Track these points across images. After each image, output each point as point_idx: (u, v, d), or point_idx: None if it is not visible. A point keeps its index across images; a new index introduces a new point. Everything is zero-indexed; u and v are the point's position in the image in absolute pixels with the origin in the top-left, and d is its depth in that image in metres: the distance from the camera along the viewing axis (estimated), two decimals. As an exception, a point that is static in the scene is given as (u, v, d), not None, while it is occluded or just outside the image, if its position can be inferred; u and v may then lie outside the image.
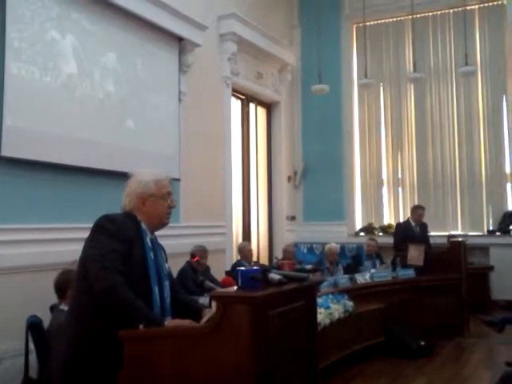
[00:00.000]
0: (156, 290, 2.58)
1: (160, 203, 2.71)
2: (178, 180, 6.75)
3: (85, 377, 2.47)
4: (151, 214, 2.69)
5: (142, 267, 2.56)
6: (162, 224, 2.76)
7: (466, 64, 8.31)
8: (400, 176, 9.92)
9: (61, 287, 3.84)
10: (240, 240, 8.47)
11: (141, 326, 2.42)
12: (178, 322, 2.55)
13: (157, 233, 2.80)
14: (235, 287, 2.48)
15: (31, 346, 3.72)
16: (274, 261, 8.35)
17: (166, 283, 2.69)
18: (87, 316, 2.49)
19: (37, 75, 5.02)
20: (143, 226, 2.66)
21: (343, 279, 6.18)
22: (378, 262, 7.58)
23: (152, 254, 2.63)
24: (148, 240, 2.65)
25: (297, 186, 10.24)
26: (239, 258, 7.23)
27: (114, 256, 2.46)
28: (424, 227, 7.83)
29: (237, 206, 8.73)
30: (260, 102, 9.59)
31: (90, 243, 2.56)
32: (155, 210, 2.70)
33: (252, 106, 9.41)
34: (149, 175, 2.73)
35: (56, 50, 5.22)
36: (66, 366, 2.52)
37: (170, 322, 2.50)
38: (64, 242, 4.91)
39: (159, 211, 2.71)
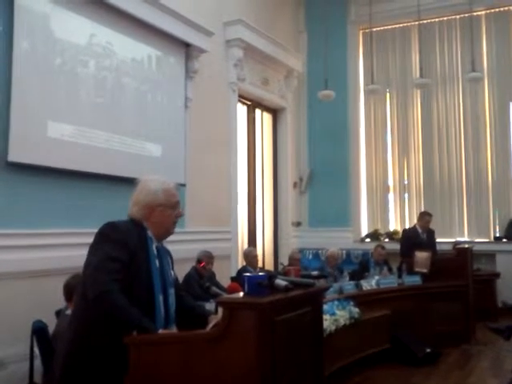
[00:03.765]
0: (160, 298, 2.56)
1: (168, 213, 2.68)
2: (184, 185, 6.75)
3: (82, 378, 2.46)
4: (159, 223, 2.66)
5: (147, 275, 2.53)
6: (169, 233, 2.74)
7: (473, 70, 8.30)
8: (406, 182, 9.89)
9: (69, 290, 3.85)
10: (245, 246, 8.45)
11: (134, 333, 2.39)
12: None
13: (162, 237, 2.78)
14: (241, 293, 2.47)
15: (36, 351, 3.73)
16: (280, 267, 8.33)
17: (171, 291, 2.66)
18: (87, 320, 2.48)
19: (44, 80, 5.05)
20: (149, 233, 2.64)
21: (349, 285, 6.16)
22: (385, 269, 7.54)
23: (157, 262, 2.60)
24: (154, 247, 2.62)
25: (302, 191, 10.22)
26: (244, 263, 7.22)
27: (113, 264, 2.43)
28: (431, 234, 7.81)
29: (242, 212, 8.73)
30: (266, 108, 9.60)
31: (91, 250, 2.55)
32: (163, 219, 2.67)
33: (258, 111, 9.42)
34: (157, 183, 2.69)
35: (63, 55, 5.25)
36: (65, 369, 2.52)
37: (163, 332, 2.47)
38: (70, 248, 4.91)
39: (166, 221, 2.68)
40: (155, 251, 2.62)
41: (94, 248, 2.54)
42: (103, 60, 5.74)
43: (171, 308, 2.64)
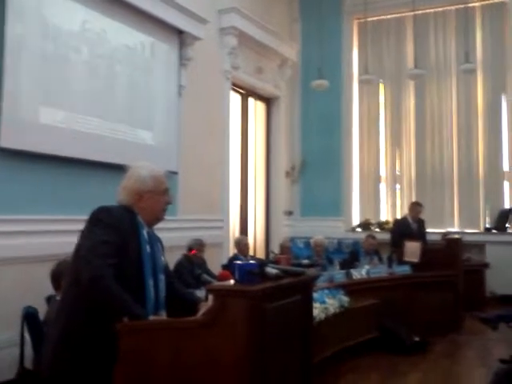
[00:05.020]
0: (150, 283, 2.56)
1: (157, 199, 2.69)
2: (176, 173, 6.75)
3: (72, 366, 2.46)
4: (148, 209, 2.67)
5: (137, 260, 2.54)
6: (158, 220, 2.75)
7: (467, 61, 8.31)
8: (398, 172, 9.94)
9: (57, 278, 3.85)
10: (237, 234, 8.48)
11: (125, 320, 2.39)
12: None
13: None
14: (232, 281, 2.49)
15: (27, 336, 3.73)
16: (271, 255, 8.36)
17: (162, 277, 2.67)
18: (76, 307, 2.48)
19: (36, 66, 5.02)
20: (139, 219, 2.64)
21: (339, 274, 6.19)
22: (375, 259, 7.58)
23: (148, 247, 2.61)
24: (144, 233, 2.63)
25: (295, 181, 10.24)
26: (236, 251, 7.24)
27: (105, 248, 2.42)
28: (421, 224, 7.85)
29: (234, 200, 8.74)
30: (259, 97, 9.59)
31: (84, 234, 2.55)
32: (152, 205, 2.68)
33: (251, 100, 9.41)
34: (147, 170, 2.71)
35: (55, 41, 5.22)
36: (55, 355, 2.52)
37: (154, 319, 2.49)
38: (60, 234, 4.90)
39: (156, 207, 2.69)
40: (146, 236, 2.63)
41: (86, 231, 2.54)
42: (96, 47, 5.71)
43: (161, 293, 2.65)
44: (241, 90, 8.99)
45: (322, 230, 8.80)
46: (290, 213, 10.13)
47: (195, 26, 7.09)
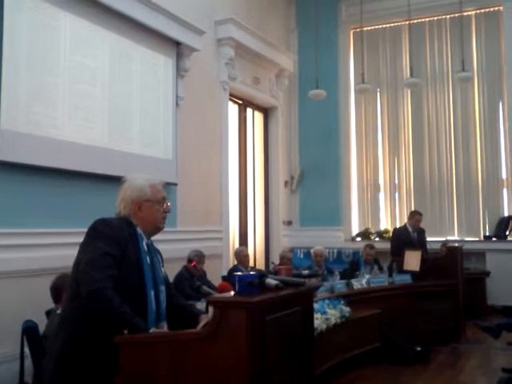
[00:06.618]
0: (152, 294, 2.57)
1: (156, 208, 2.71)
2: (175, 185, 6.75)
3: (73, 380, 2.46)
4: (147, 218, 2.68)
5: (138, 271, 2.55)
6: (158, 229, 2.76)
7: (463, 70, 8.33)
8: (397, 181, 9.93)
9: (57, 291, 3.84)
10: (236, 245, 8.45)
11: (125, 332, 2.40)
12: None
13: (153, 237, 2.79)
14: (232, 292, 2.48)
15: (27, 350, 3.71)
16: (271, 266, 8.33)
17: (162, 288, 2.68)
18: (78, 320, 2.48)
19: (33, 79, 5.02)
20: (139, 230, 2.65)
21: (339, 284, 6.18)
22: (376, 268, 7.57)
23: (148, 259, 2.62)
24: (144, 244, 2.64)
25: (293, 190, 10.23)
26: (236, 262, 7.22)
27: (105, 260, 2.44)
28: (421, 233, 7.84)
29: (234, 211, 8.72)
30: (257, 107, 9.60)
31: (83, 246, 2.55)
32: (151, 214, 2.69)
33: (249, 110, 9.42)
34: (143, 180, 2.73)
35: (52, 53, 5.22)
36: (56, 369, 2.51)
37: (155, 331, 2.49)
38: (59, 247, 4.89)
39: (155, 216, 2.71)
40: (145, 248, 2.64)
41: (85, 244, 2.55)
42: (92, 57, 5.71)
43: (162, 304, 2.65)
44: (238, 101, 9.00)
45: (322, 240, 8.79)
46: (289, 223, 10.11)
47: (192, 37, 7.11)
